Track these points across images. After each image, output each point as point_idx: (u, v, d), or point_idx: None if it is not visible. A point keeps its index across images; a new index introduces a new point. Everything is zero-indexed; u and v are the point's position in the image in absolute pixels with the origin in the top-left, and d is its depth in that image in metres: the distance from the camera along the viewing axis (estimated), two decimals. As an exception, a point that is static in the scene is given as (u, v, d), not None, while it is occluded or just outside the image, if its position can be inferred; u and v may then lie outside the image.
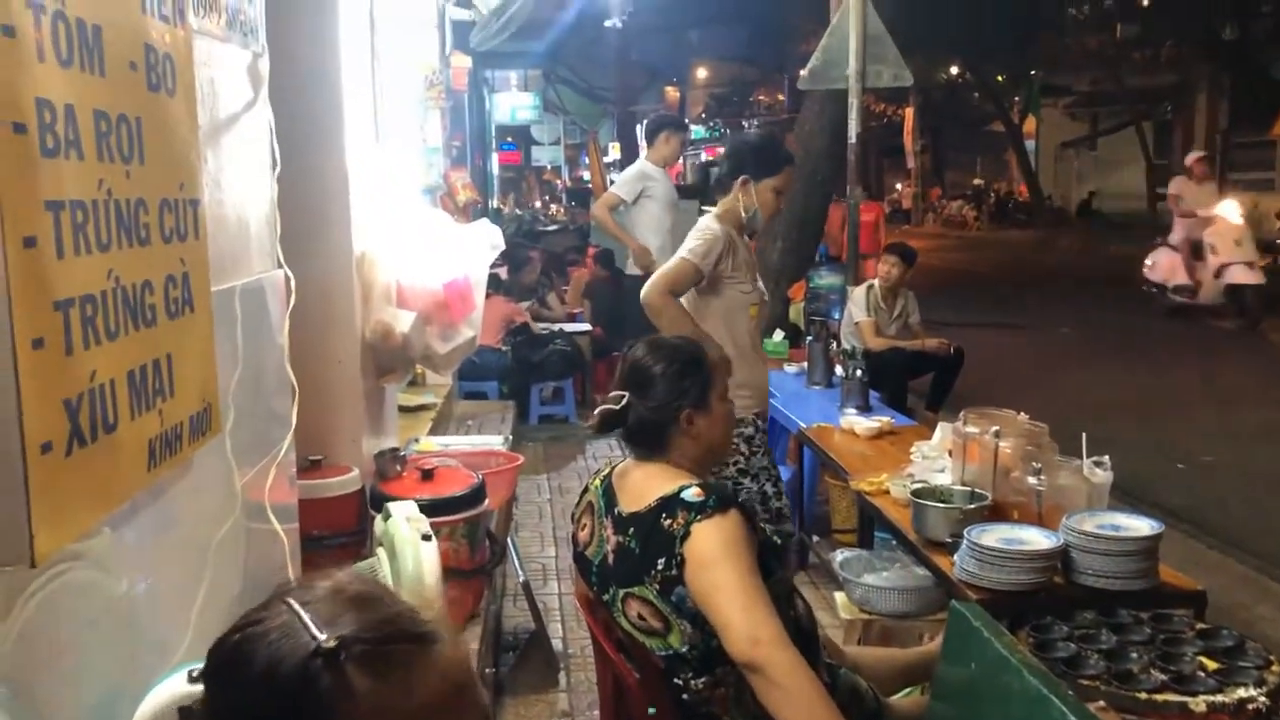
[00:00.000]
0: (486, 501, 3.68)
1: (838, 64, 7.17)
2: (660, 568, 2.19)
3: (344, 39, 3.60)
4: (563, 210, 23.25)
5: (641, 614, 2.24)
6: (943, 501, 3.33)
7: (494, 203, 20.73)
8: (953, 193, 36.92)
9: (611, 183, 20.82)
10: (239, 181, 2.34)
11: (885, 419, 4.81)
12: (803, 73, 7.50)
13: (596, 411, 2.47)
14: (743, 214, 4.00)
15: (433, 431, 5.50)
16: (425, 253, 3.90)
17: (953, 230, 31.62)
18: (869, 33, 7.05)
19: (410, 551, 2.00)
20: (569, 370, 7.80)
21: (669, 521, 2.19)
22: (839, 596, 3.78)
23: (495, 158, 21.63)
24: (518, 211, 23.76)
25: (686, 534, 2.16)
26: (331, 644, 0.99)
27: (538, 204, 27.80)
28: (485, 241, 4.08)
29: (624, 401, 2.39)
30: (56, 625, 1.44)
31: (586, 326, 8.60)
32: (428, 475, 3.64)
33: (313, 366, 3.68)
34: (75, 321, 1.40)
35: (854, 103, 7.12)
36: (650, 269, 7.11)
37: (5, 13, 1.25)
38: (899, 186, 38.16)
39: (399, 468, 3.71)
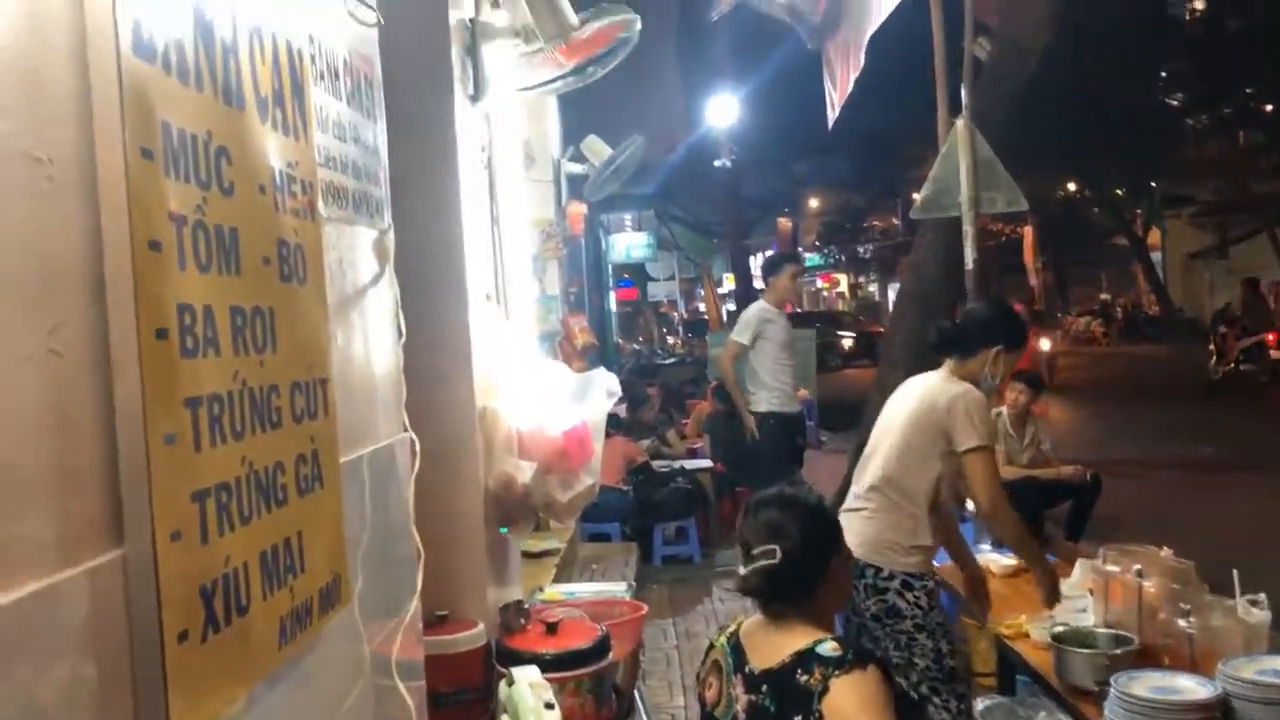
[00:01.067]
0: (611, 654, 3.64)
1: (949, 192, 7.16)
2: None
3: (466, 206, 3.77)
4: (680, 343, 23.48)
5: None
6: (1086, 645, 3.16)
7: (613, 339, 21.09)
8: (1078, 308, 36.06)
9: (728, 314, 20.96)
10: (366, 353, 2.44)
11: (995, 557, 4.61)
12: (915, 202, 7.52)
13: (746, 571, 2.39)
14: (986, 380, 3.79)
15: (557, 578, 5.50)
16: (544, 403, 3.98)
17: (1081, 347, 30.74)
18: (979, 159, 7.04)
19: (533, 720, 1.98)
20: (691, 508, 7.74)
21: (806, 677, 2.14)
22: (984, 748, 3.59)
23: (613, 296, 22.06)
24: (635, 346, 24.12)
25: (825, 689, 2.11)
26: None
27: (655, 338, 28.21)
28: (602, 389, 4.14)
29: (772, 560, 2.34)
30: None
31: (707, 463, 8.56)
32: (552, 629, 3.63)
33: (437, 521, 3.75)
34: (211, 510, 1.47)
35: (969, 230, 7.08)
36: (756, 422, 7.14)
37: (152, 229, 1.35)
38: (1020, 306, 37.48)
39: (523, 621, 3.71)
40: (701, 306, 28.20)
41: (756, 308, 7.34)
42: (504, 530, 3.98)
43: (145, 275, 1.33)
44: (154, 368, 1.33)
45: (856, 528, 3.51)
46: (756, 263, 21.76)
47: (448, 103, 3.72)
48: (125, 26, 1.32)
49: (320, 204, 2.15)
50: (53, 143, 1.23)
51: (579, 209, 10.39)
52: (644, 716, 4.11)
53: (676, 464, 8.21)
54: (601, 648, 3.58)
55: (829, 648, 2.17)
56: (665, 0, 8.12)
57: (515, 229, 4.41)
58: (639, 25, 4.16)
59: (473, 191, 3.89)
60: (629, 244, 20.15)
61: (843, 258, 39.83)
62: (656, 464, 8.16)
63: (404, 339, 2.70)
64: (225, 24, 1.64)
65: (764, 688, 2.23)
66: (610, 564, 6.53)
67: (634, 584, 5.23)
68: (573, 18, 4.07)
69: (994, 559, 4.54)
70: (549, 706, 2.02)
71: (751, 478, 8.69)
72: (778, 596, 2.34)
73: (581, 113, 10.59)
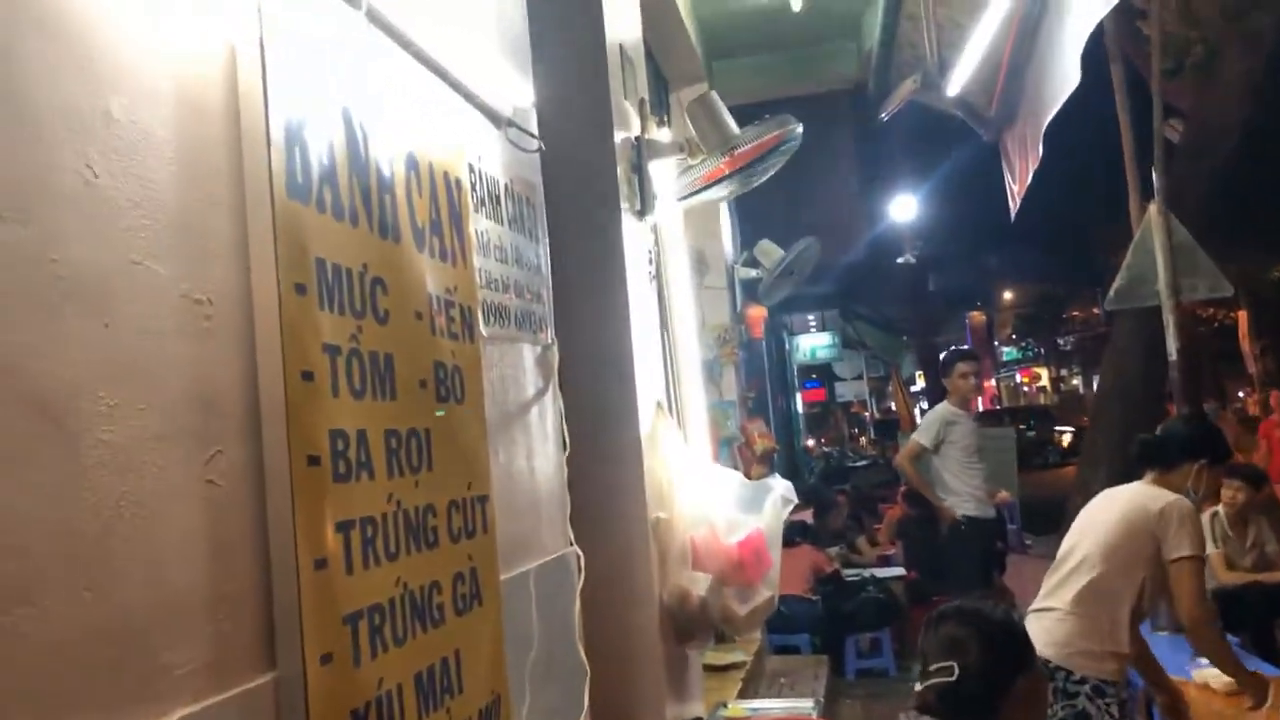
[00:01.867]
0: (793, 776, 3.48)
1: (1145, 280, 6.79)
2: None
3: (634, 316, 3.83)
4: (870, 444, 22.95)
5: None
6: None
7: (801, 442, 20.81)
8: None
9: (920, 413, 20.38)
10: (531, 468, 2.47)
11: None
12: (1109, 293, 7.17)
13: (922, 688, 2.28)
14: (1190, 495, 3.79)
15: (742, 693, 5.34)
16: (718, 513, 3.92)
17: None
18: (1176, 244, 6.67)
19: None
20: (885, 619, 7.42)
21: None
22: None
23: (799, 397, 21.88)
24: (825, 449, 23.71)
25: None
26: None
27: (845, 439, 27.68)
28: (778, 496, 4.06)
29: (950, 676, 2.22)
30: None
31: (900, 570, 8.23)
32: (731, 748, 3.50)
33: (612, 635, 3.73)
34: (364, 632, 1.49)
35: (1170, 320, 6.68)
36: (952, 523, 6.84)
37: (305, 360, 1.41)
38: (1241, 394, 34.87)
39: (703, 739, 3.60)
40: (893, 406, 27.58)
41: (940, 409, 7.10)
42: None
43: (298, 405, 1.38)
44: (306, 494, 1.38)
45: (1048, 628, 3.39)
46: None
47: (614, 218, 3.80)
48: (279, 171, 1.40)
49: (481, 324, 2.22)
50: (211, 283, 1.31)
51: (759, 312, 10.40)
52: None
53: (867, 572, 7.92)
54: (784, 769, 3.43)
55: None
56: (837, 102, 8.14)
57: (687, 336, 4.43)
58: (800, 130, 4.18)
59: (641, 301, 3.95)
60: (813, 344, 20.02)
61: (1042, 350, 38.28)
62: (846, 573, 7.89)
63: (570, 451, 2.72)
64: (383, 162, 1.73)
65: None
66: (799, 678, 6.30)
67: (822, 700, 5.02)
68: (735, 129, 4.14)
69: (1213, 674, 4.13)
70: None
71: (946, 586, 8.30)
72: (956, 717, 2.19)
73: (758, 218, 10.69)
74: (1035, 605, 3.61)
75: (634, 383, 3.77)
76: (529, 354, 2.56)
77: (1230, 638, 5.07)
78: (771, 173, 4.36)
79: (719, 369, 6.72)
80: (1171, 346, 6.72)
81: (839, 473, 18.10)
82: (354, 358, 1.56)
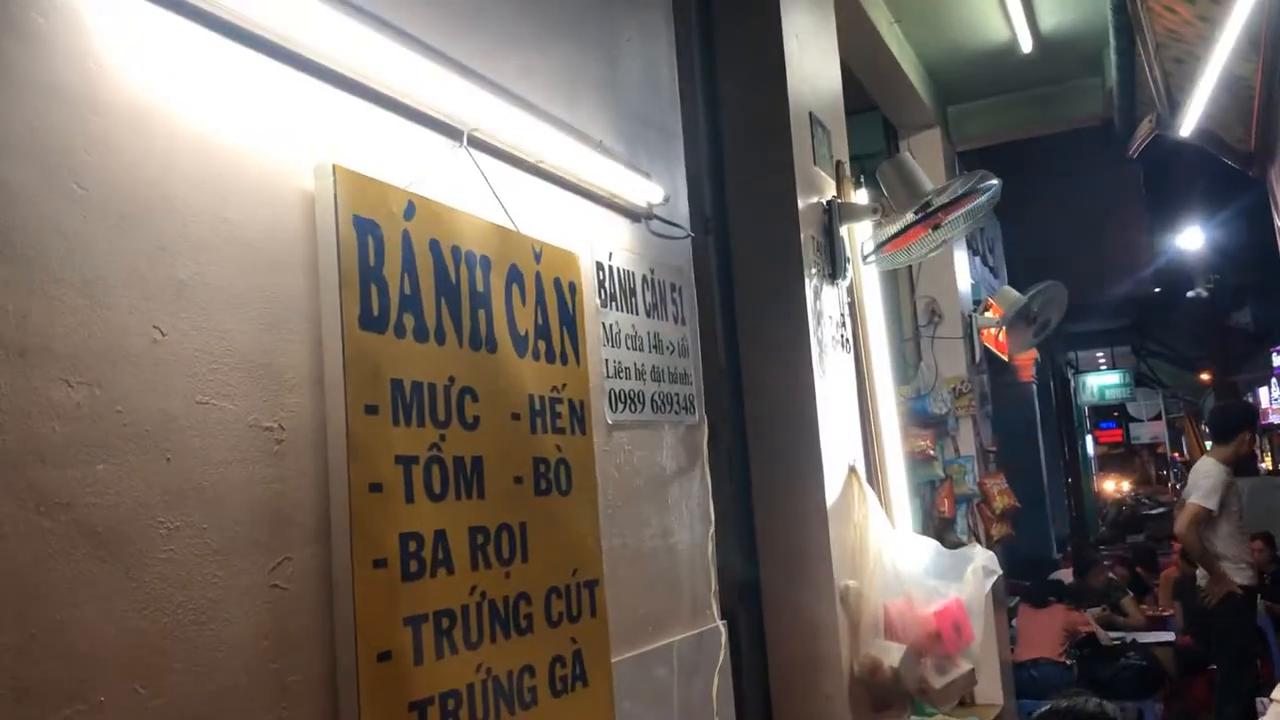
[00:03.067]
0: None
1: None
2: None
3: (821, 382, 3.84)
4: (1172, 490, 21.16)
5: None
6: None
7: (1091, 486, 19.52)
8: None
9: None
10: (669, 546, 2.57)
11: None
12: None
13: None
14: None
15: (972, 762, 5.14)
16: (914, 581, 3.84)
17: None
18: None
19: None
20: (1146, 689, 6.87)
21: None
22: None
23: (1090, 439, 20.60)
24: (1127, 492, 22.08)
25: None
26: None
27: (1151, 482, 25.66)
28: (979, 565, 3.92)
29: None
30: None
31: (1167, 635, 7.58)
32: (922, 828, 3.41)
33: (800, 703, 3.74)
34: (434, 717, 1.64)
35: None
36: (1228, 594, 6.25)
37: (374, 473, 1.60)
38: None
39: (895, 816, 3.53)
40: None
41: (1218, 470, 6.53)
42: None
43: (362, 514, 1.57)
44: (368, 594, 1.56)
45: None
46: (1260, 395, 19.25)
47: (796, 284, 3.84)
48: (352, 307, 1.60)
49: (604, 413, 2.36)
50: (284, 411, 1.52)
51: (1029, 354, 9.95)
52: None
53: (1129, 636, 7.36)
54: None
55: None
56: (1096, 137, 7.71)
57: (886, 397, 4.37)
58: (997, 184, 4.05)
59: (830, 365, 3.95)
60: (1101, 383, 18.83)
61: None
62: (1106, 636, 7.37)
63: (756, 517, 2.77)
64: (478, 281, 1.90)
65: None
66: (1043, 748, 5.95)
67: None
68: (927, 186, 4.08)
69: None
70: None
71: (1218, 657, 7.58)
72: None
73: (1031, 262, 10.23)
74: None
75: (819, 448, 3.77)
76: (669, 434, 2.66)
77: None
78: (970, 228, 4.26)
79: (955, 423, 6.50)
80: None
81: (1133, 521, 16.84)
82: (434, 464, 1.73)
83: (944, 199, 4.09)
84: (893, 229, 4.14)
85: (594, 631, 2.12)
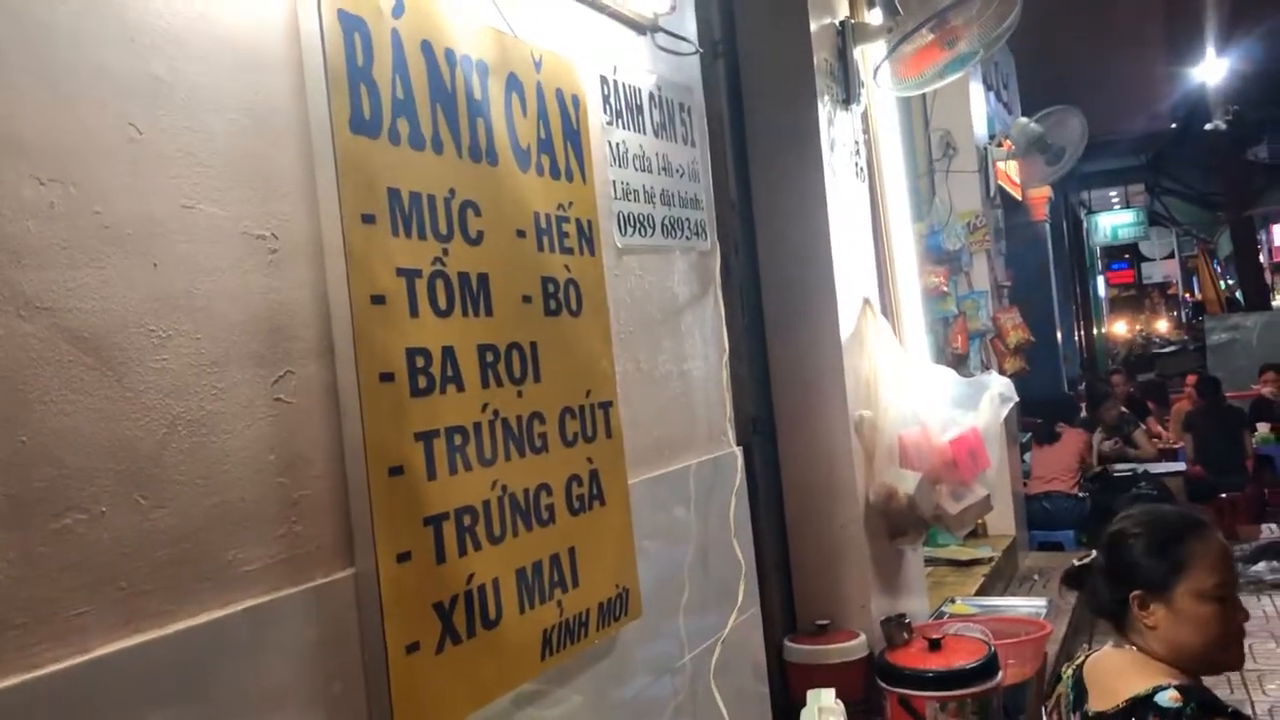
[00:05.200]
0: (1000, 675, 3.40)
1: None
2: None
3: (836, 212, 3.74)
4: (1183, 329, 21.15)
5: None
6: None
7: (1103, 328, 19.50)
8: None
9: (1228, 287, 18.43)
10: (682, 372, 2.53)
11: None
12: None
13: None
14: None
15: (984, 589, 5.23)
16: (930, 411, 3.82)
17: None
18: None
19: (812, 748, 1.94)
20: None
21: None
22: None
23: (1100, 280, 20.46)
24: (1138, 333, 22.08)
25: None
26: None
27: (1162, 325, 25.63)
28: (995, 394, 3.89)
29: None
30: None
31: (1178, 466, 7.64)
32: (934, 645, 3.46)
33: (816, 531, 3.77)
34: (449, 533, 1.62)
35: None
36: None
37: (374, 285, 1.53)
38: None
39: (905, 635, 3.58)
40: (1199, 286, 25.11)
41: None
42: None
43: (365, 327, 1.51)
44: (377, 408, 1.51)
45: None
46: (1274, 234, 19.03)
47: (809, 109, 3.70)
48: (341, 109, 1.51)
49: (613, 235, 2.28)
50: (276, 218, 1.44)
51: (1041, 193, 9.77)
52: (1048, 745, 3.78)
53: (1140, 468, 7.42)
54: (988, 668, 3.36)
55: (1168, 697, 1.88)
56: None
57: (902, 228, 4.28)
58: (1019, 7, 3.85)
59: (844, 194, 3.84)
60: (1114, 223, 18.58)
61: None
62: (1118, 468, 7.44)
63: (768, 348, 2.72)
64: (475, 88, 1.80)
65: None
66: (1055, 577, 6.06)
67: (1054, 601, 4.82)
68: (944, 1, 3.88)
69: None
70: (831, 733, 1.96)
71: (1240, 480, 7.65)
72: (1097, 614, 2.10)
73: (1046, 93, 9.91)
74: None
75: (833, 278, 3.70)
76: (681, 260, 2.58)
77: None
78: (992, 51, 4.08)
79: (969, 258, 6.41)
80: None
81: (1144, 360, 16.88)
82: (438, 279, 1.66)
83: (962, 17, 3.90)
84: (905, 41, 3.96)
85: (610, 452, 2.09)
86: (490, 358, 1.77)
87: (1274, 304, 16.71)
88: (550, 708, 1.91)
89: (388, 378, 1.54)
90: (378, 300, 1.54)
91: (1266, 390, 8.91)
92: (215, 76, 1.38)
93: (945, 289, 6.07)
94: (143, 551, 1.22)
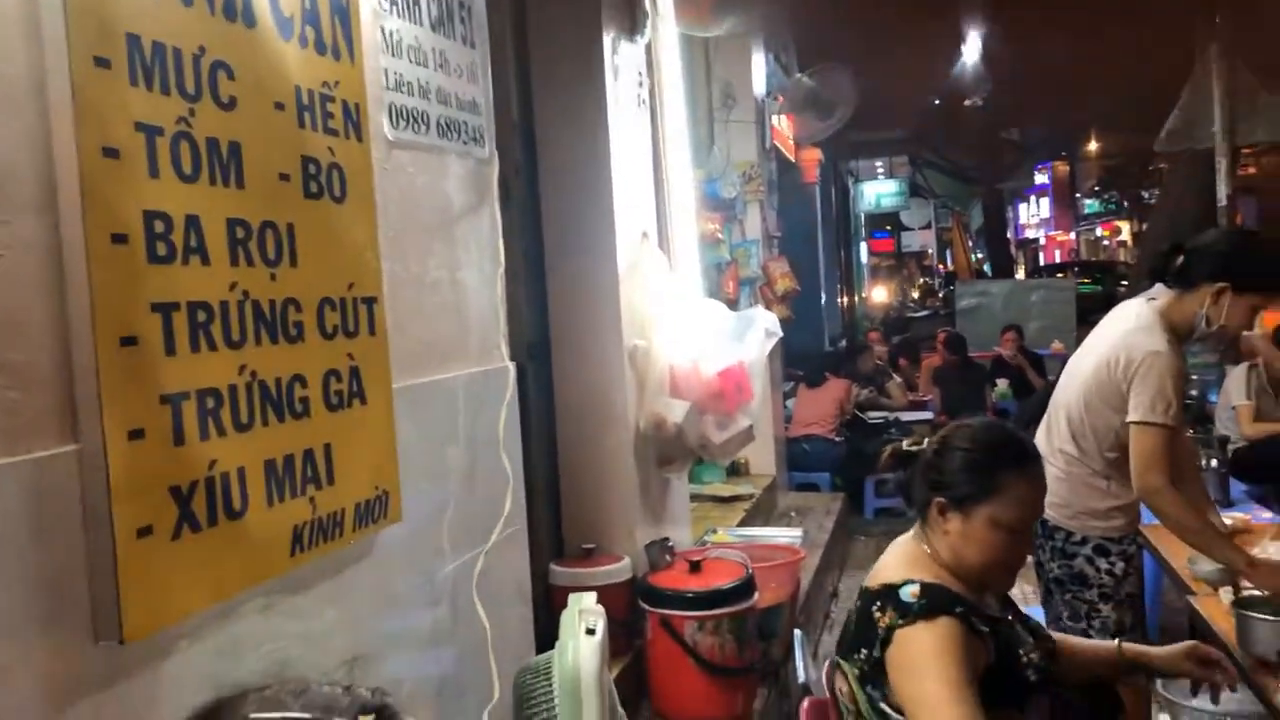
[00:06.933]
0: (756, 596, 3.54)
1: (1201, 123, 6.46)
2: (863, 656, 2.01)
3: (618, 143, 3.73)
4: (938, 297, 22.61)
5: (842, 689, 2.08)
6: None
7: (864, 292, 20.57)
8: None
9: (979, 260, 19.78)
10: (454, 280, 2.46)
11: (1243, 515, 4.10)
12: (1161, 135, 6.82)
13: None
14: (1201, 326, 3.20)
15: (745, 523, 5.43)
16: (699, 343, 3.90)
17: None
18: (1235, 85, 6.29)
19: (570, 646, 1.94)
20: (904, 462, 7.42)
21: (879, 615, 1.99)
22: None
23: (863, 246, 21.51)
24: (895, 299, 23.42)
25: (889, 639, 1.95)
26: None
27: (917, 290, 27.29)
28: (761, 328, 4.01)
29: (915, 448, 2.22)
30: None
31: (927, 415, 8.19)
32: (695, 567, 3.57)
33: (587, 457, 3.79)
34: (189, 414, 1.51)
35: (1222, 163, 6.36)
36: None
37: (106, 136, 1.39)
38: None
39: (668, 558, 3.67)
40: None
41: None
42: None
43: (96, 181, 1.37)
44: (107, 271, 1.38)
45: (1051, 487, 3.17)
46: (1020, 210, 20.53)
47: (595, 35, 3.68)
48: (72, -62, 1.35)
49: (383, 127, 2.18)
50: (-8, 55, 1.28)
51: (813, 154, 10.11)
52: (799, 661, 3.97)
53: (892, 415, 7.90)
54: (745, 589, 3.49)
55: (910, 592, 1.98)
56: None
57: (682, 167, 4.32)
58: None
59: (626, 126, 3.85)
60: (878, 191, 19.57)
61: (1125, 204, 36.80)
62: (872, 415, 7.89)
63: (547, 273, 2.69)
64: (230, -59, 1.66)
65: (859, 603, 2.10)
66: (810, 514, 6.39)
67: (806, 533, 5.09)
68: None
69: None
70: (590, 632, 1.97)
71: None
72: (906, 496, 2.21)
73: (820, 60, 10.24)
74: None
75: (612, 208, 3.71)
76: (457, 164, 2.51)
77: (1249, 489, 4.98)
78: None
79: (743, 207, 6.58)
80: (1223, 192, 6.43)
81: (899, 323, 17.89)
82: (182, 140, 1.53)
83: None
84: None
85: (372, 350, 2.01)
86: (241, 234, 1.65)
87: (1018, 275, 18.11)
88: (305, 618, 1.83)
89: (120, 239, 1.41)
90: (110, 153, 1.40)
91: (1006, 350, 9.64)
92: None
93: (720, 236, 6.22)
94: None
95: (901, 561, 2.12)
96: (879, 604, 2.01)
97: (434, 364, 2.34)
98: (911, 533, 2.20)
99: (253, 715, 0.89)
